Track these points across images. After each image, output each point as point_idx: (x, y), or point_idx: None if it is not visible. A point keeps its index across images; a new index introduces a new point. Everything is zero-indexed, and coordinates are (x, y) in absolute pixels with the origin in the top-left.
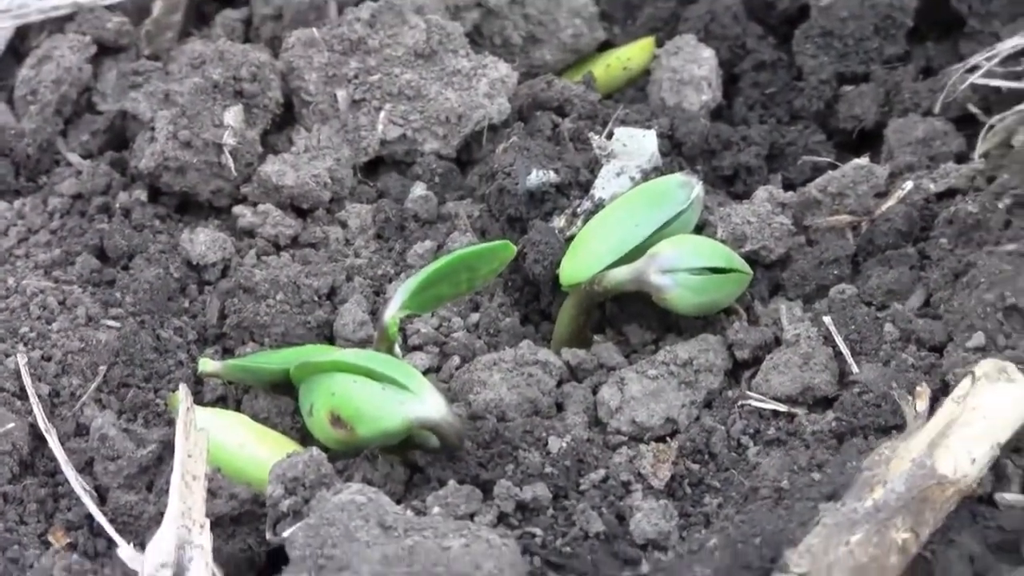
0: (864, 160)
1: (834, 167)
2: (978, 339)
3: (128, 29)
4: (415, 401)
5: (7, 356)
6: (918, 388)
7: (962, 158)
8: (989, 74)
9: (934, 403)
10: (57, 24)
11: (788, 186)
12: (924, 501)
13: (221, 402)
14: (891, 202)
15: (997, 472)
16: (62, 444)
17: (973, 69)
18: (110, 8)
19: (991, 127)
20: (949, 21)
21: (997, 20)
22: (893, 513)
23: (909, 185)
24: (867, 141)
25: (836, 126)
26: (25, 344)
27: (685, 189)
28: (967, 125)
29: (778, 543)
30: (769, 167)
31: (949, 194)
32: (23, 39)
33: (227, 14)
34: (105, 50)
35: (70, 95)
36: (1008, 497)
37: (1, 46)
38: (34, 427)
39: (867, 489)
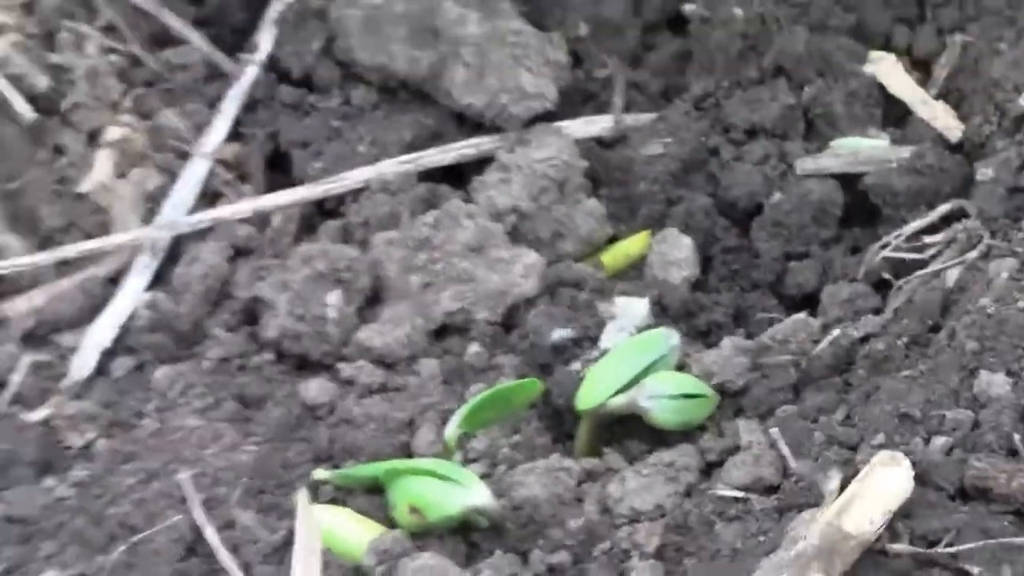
0: (803, 315)
1: (781, 321)
2: (880, 439)
3: (255, 236)
4: (469, 493)
5: (174, 473)
6: (830, 473)
7: (878, 311)
8: (897, 249)
9: (846, 484)
10: (202, 235)
11: (748, 337)
12: (833, 552)
13: (332, 502)
14: (823, 345)
15: (891, 531)
16: (217, 534)
17: (885, 245)
18: (241, 221)
19: (899, 288)
20: (870, 210)
21: (903, 208)
22: (810, 560)
23: (837, 332)
24: (808, 302)
25: (785, 292)
26: (187, 464)
27: (667, 339)
28: (882, 287)
29: None
30: (735, 324)
31: (866, 338)
32: (177, 246)
33: (329, 223)
34: (239, 252)
35: (214, 286)
36: (896, 547)
37: (162, 252)
38: (195, 523)
39: (792, 543)
